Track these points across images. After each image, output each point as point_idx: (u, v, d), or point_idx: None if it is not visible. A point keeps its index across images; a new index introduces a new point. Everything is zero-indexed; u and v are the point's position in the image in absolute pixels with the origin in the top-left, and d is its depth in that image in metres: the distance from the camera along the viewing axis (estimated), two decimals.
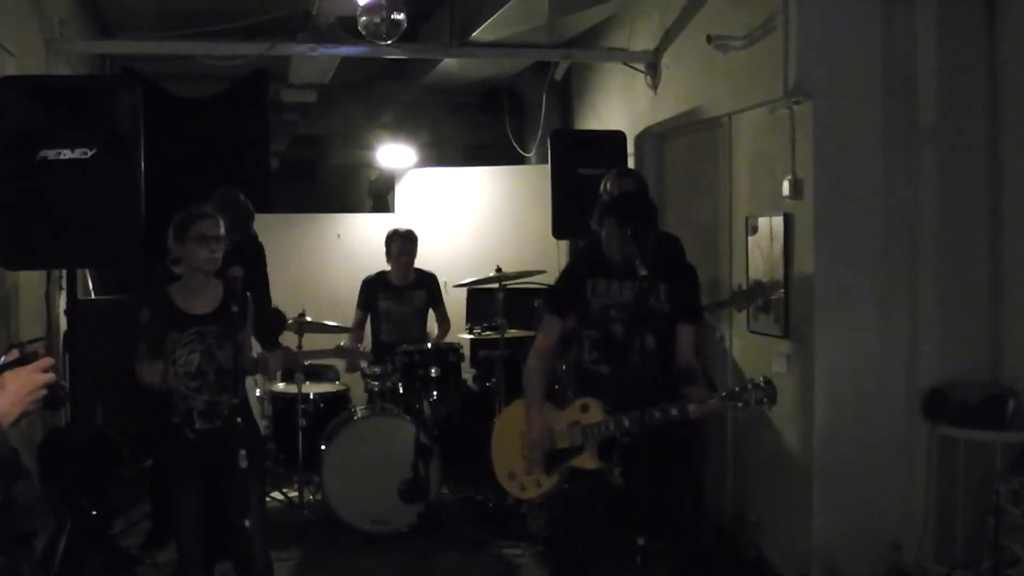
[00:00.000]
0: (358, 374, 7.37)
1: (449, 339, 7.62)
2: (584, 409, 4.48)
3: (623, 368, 4.40)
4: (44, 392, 2.75)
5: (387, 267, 7.62)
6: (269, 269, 6.66)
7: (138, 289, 6.51)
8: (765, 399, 4.19)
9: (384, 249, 7.60)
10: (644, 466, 4.19)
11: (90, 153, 4.93)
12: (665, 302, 4.53)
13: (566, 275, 4.84)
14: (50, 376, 2.75)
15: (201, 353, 4.59)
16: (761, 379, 4.22)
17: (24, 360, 2.73)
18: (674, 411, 4.26)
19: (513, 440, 4.71)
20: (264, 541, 4.75)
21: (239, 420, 4.53)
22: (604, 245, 4.54)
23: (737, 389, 4.24)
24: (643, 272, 4.29)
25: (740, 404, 4.22)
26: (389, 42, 6.57)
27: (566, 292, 4.71)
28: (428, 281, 7.68)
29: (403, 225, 7.84)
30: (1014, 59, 5.41)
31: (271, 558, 4.88)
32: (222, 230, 4.71)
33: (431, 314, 7.78)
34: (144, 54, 8.43)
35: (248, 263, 5.97)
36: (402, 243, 7.54)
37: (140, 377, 4.60)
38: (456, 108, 11.78)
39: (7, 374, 2.69)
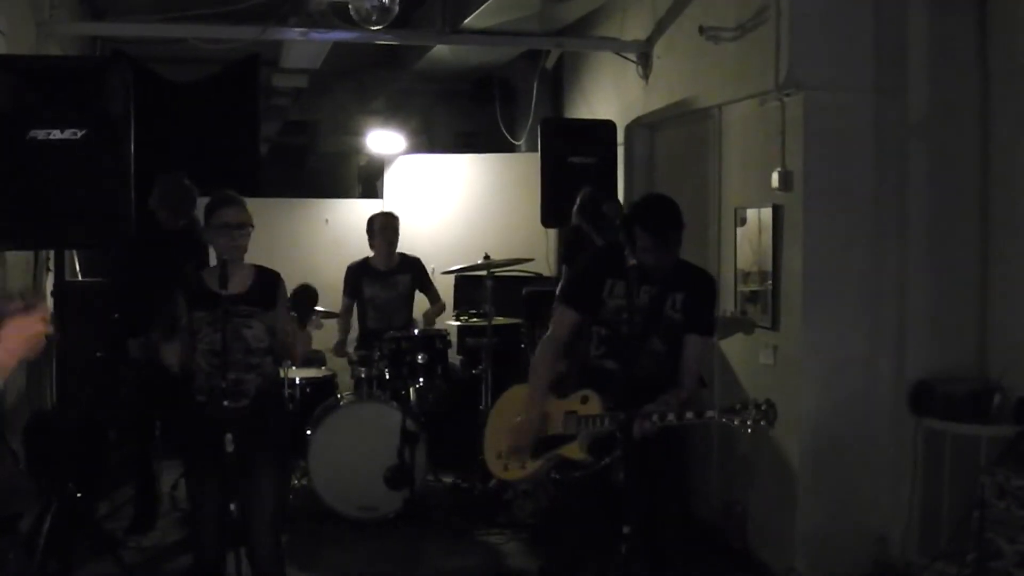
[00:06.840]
0: (345, 360, 7.36)
1: (436, 326, 7.60)
2: (584, 401, 4.45)
3: (629, 365, 4.39)
4: (44, 341, 2.83)
5: (370, 253, 7.58)
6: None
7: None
8: (763, 421, 4.04)
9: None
10: (639, 459, 4.17)
11: (80, 134, 4.89)
12: (680, 310, 4.51)
13: (586, 271, 4.79)
14: (48, 327, 2.82)
15: (227, 331, 4.50)
16: (764, 401, 4.09)
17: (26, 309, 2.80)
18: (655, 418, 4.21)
19: (508, 422, 4.71)
20: (276, 529, 4.66)
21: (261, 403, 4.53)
22: (629, 248, 4.50)
23: (738, 407, 4.12)
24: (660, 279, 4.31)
25: (736, 422, 4.09)
26: (380, 27, 6.58)
27: (585, 287, 4.66)
28: (412, 265, 7.61)
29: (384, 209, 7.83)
30: (1005, 55, 5.43)
31: (282, 547, 4.76)
32: (246, 217, 4.64)
33: (421, 299, 7.74)
34: (135, 37, 8.37)
35: (194, 245, 5.97)
36: (384, 218, 7.52)
37: (162, 359, 4.61)
38: (447, 95, 11.76)
39: (9, 325, 2.76)
